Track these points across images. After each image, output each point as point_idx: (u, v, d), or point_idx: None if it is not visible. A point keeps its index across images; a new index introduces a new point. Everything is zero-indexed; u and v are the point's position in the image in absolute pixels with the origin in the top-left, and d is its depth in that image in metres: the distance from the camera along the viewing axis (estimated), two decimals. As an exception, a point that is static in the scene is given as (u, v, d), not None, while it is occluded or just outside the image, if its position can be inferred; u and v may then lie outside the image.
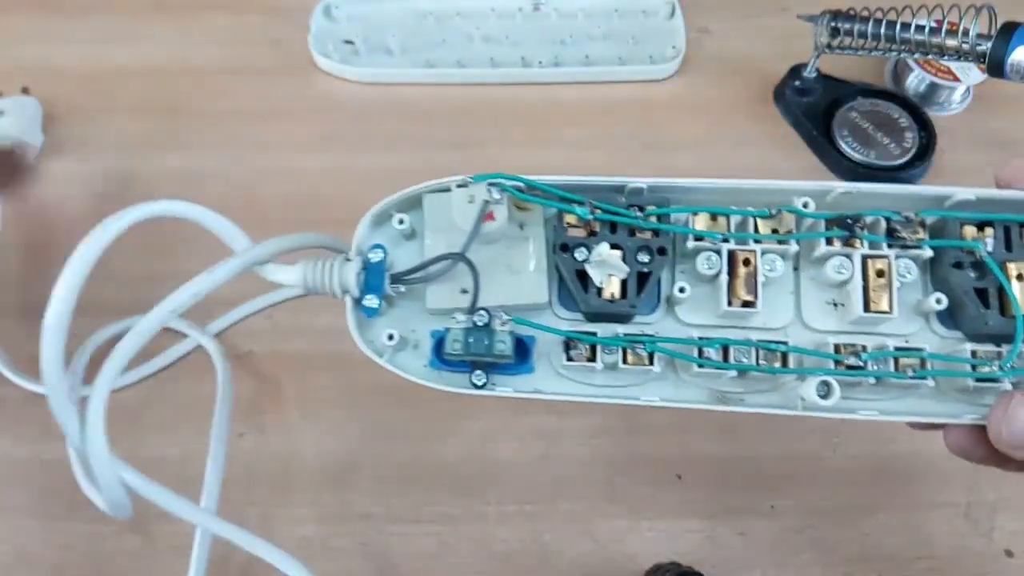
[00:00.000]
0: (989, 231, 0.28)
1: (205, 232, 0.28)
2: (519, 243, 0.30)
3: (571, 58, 0.56)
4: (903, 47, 0.46)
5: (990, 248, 0.27)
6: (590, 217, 0.28)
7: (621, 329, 0.29)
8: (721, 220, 0.29)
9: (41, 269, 0.47)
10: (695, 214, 0.29)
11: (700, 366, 0.28)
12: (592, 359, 0.28)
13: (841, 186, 0.28)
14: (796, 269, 0.30)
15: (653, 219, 0.28)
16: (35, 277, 0.47)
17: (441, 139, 0.53)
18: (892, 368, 0.27)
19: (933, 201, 0.29)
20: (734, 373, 0.28)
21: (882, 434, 0.43)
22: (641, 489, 0.42)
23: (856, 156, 0.51)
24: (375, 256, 0.29)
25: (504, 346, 0.27)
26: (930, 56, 0.46)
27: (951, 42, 0.44)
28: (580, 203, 0.28)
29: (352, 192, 0.53)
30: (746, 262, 0.28)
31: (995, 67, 0.43)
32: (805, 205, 0.28)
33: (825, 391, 0.27)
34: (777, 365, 0.28)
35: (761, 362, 0.28)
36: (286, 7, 0.57)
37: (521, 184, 0.28)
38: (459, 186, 0.28)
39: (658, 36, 0.56)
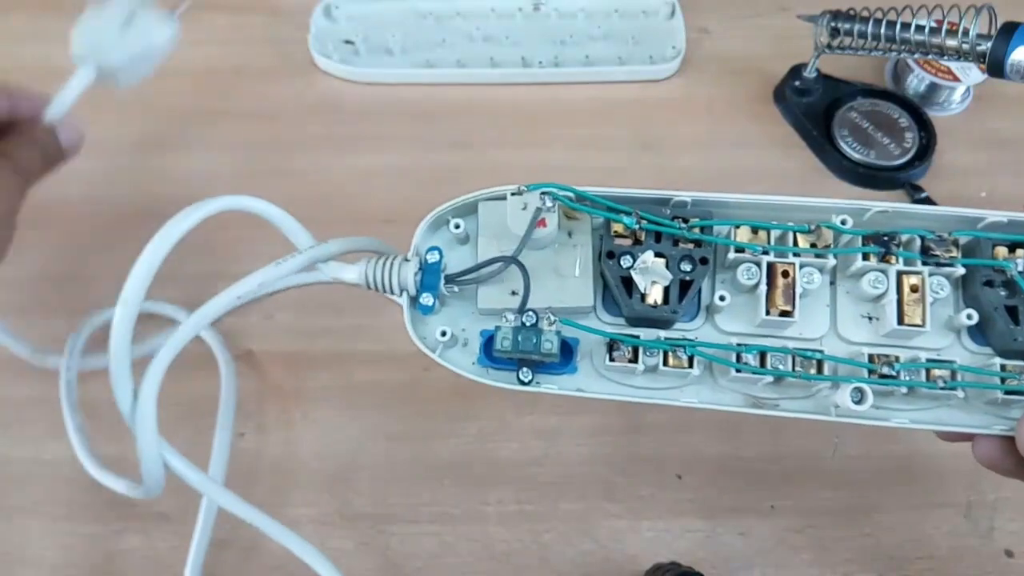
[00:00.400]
0: (1020, 252, 0.29)
1: (251, 233, 0.31)
2: (567, 250, 0.31)
3: (571, 58, 0.56)
4: (903, 47, 0.46)
5: (1021, 268, 0.29)
6: (636, 227, 0.29)
7: (662, 334, 0.30)
8: (762, 234, 0.30)
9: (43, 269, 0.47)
10: (737, 227, 0.30)
11: (738, 371, 0.29)
12: (634, 360, 0.29)
13: (878, 205, 0.30)
14: (833, 283, 0.31)
15: (696, 231, 0.30)
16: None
17: (441, 139, 0.53)
18: (924, 379, 0.28)
19: (966, 222, 0.30)
20: (770, 379, 0.29)
21: (881, 435, 0.43)
22: (641, 489, 0.42)
23: (856, 156, 0.51)
24: (432, 257, 0.31)
25: (551, 345, 0.29)
26: (930, 56, 0.46)
27: (951, 42, 0.44)
28: (627, 213, 0.29)
29: (353, 192, 0.54)
30: (785, 274, 0.29)
31: (995, 67, 0.43)
32: (843, 222, 0.29)
33: (859, 397, 0.28)
34: (813, 372, 0.29)
35: (797, 369, 0.29)
36: (286, 7, 0.57)
37: (572, 194, 0.30)
38: (514, 194, 0.30)
39: (658, 36, 0.56)
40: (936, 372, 0.28)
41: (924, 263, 0.29)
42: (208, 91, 0.54)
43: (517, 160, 0.52)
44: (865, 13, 0.47)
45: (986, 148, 0.53)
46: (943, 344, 0.30)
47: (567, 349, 0.30)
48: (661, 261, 0.30)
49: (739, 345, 0.29)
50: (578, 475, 0.43)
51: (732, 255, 0.30)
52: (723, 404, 0.30)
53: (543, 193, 0.29)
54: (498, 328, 0.29)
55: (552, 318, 0.29)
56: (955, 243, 0.29)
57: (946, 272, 0.29)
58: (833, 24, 0.48)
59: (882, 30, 0.46)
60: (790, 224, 0.30)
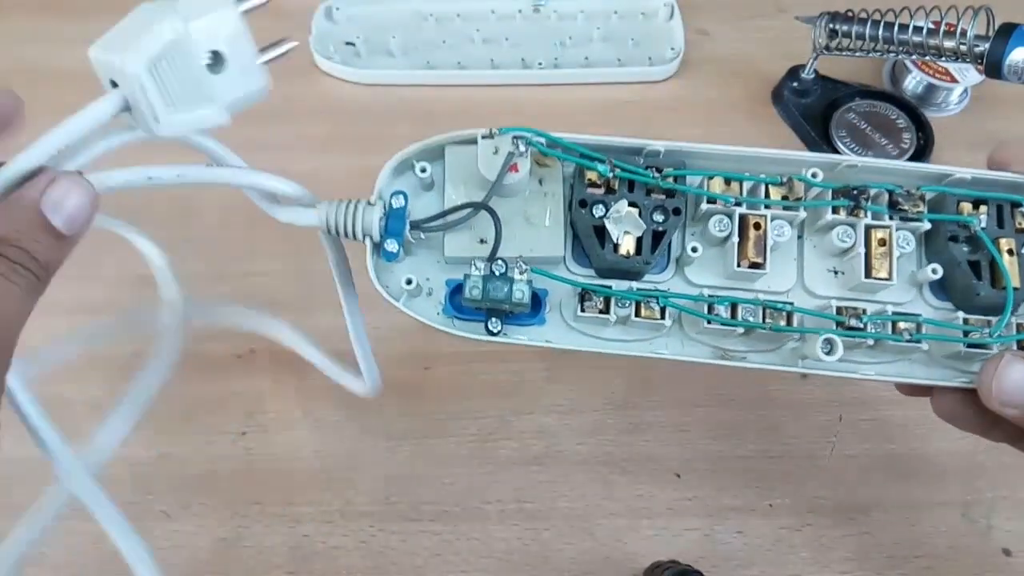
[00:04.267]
0: (983, 208, 0.29)
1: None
2: (538, 198, 0.31)
3: (571, 59, 0.56)
4: (901, 48, 0.46)
5: (983, 224, 0.29)
6: (610, 175, 0.29)
7: (635, 285, 0.30)
8: (734, 185, 0.30)
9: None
10: (710, 178, 0.30)
11: (709, 322, 0.29)
12: (605, 311, 0.29)
13: (848, 159, 0.30)
14: (800, 237, 0.31)
15: (670, 180, 0.29)
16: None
17: (441, 140, 0.53)
18: (890, 331, 0.29)
19: (933, 178, 0.30)
20: (741, 330, 0.29)
21: (880, 433, 0.44)
22: (640, 488, 0.42)
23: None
24: (397, 202, 0.29)
25: (522, 294, 0.28)
26: (928, 57, 0.46)
27: (949, 43, 0.44)
28: (601, 160, 0.29)
29: (353, 193, 0.54)
30: (756, 226, 0.29)
31: (993, 68, 0.43)
32: (814, 175, 0.29)
33: (829, 348, 0.28)
34: (782, 324, 0.29)
35: (768, 321, 0.29)
36: (287, 9, 0.57)
37: (544, 140, 0.29)
38: (485, 137, 0.29)
39: (657, 37, 0.57)
40: (902, 325, 0.29)
41: (891, 217, 0.29)
42: (209, 92, 0.54)
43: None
44: (863, 15, 0.47)
45: (984, 149, 0.52)
46: (906, 299, 0.30)
47: (536, 300, 0.30)
48: (635, 211, 0.29)
49: (711, 296, 0.29)
50: (578, 474, 0.43)
51: (704, 206, 0.30)
52: (692, 356, 0.30)
53: (516, 137, 0.29)
54: (467, 277, 0.28)
55: (524, 267, 0.28)
56: (922, 198, 0.29)
57: (912, 227, 0.30)
58: (831, 26, 0.48)
59: (880, 32, 0.46)
60: (762, 176, 0.30)
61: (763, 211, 0.29)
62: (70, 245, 0.23)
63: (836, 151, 0.52)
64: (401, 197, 0.29)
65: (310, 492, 0.42)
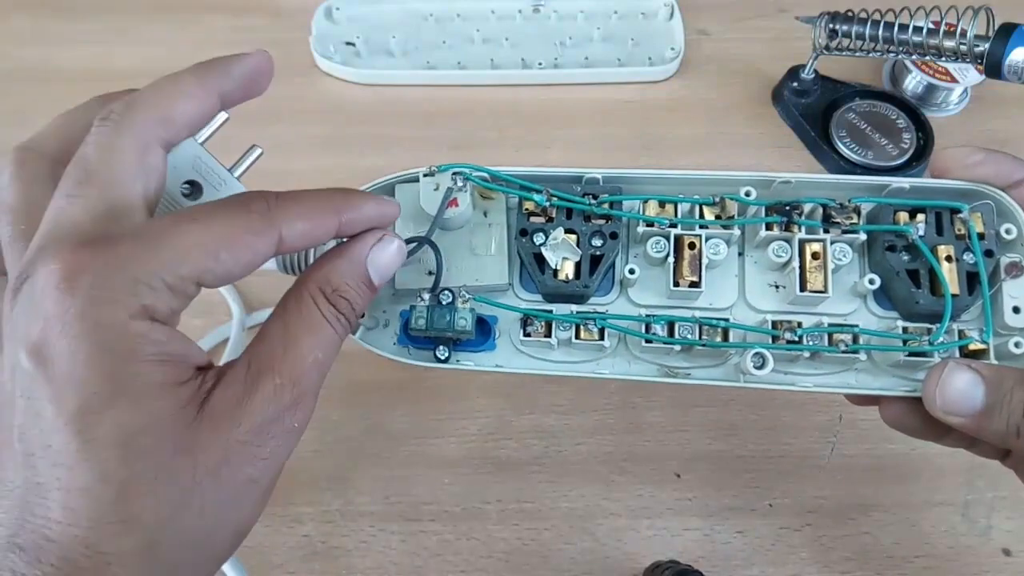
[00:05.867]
0: (920, 217, 0.30)
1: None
2: (483, 229, 0.32)
3: (571, 59, 0.56)
4: (901, 48, 0.46)
5: (921, 232, 0.29)
6: (547, 204, 0.30)
7: (576, 308, 0.31)
8: (670, 207, 0.31)
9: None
10: (645, 202, 0.31)
11: (648, 341, 0.30)
12: (547, 335, 0.30)
13: (781, 176, 0.30)
14: (741, 254, 0.32)
15: (606, 206, 0.30)
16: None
17: (441, 140, 0.53)
18: (826, 343, 0.29)
19: (870, 189, 0.31)
20: (679, 347, 0.30)
21: (880, 434, 0.44)
22: (640, 488, 0.42)
23: (854, 157, 0.51)
24: None
25: (465, 322, 0.29)
26: (928, 57, 0.46)
27: (949, 43, 0.44)
28: (538, 191, 0.30)
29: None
30: (691, 245, 0.30)
31: (993, 68, 0.43)
32: (747, 194, 0.30)
33: (760, 362, 0.28)
34: (718, 339, 0.30)
35: (704, 337, 0.30)
36: (287, 9, 0.58)
37: (485, 175, 0.31)
38: (426, 175, 0.31)
39: (657, 38, 0.57)
40: (838, 336, 0.29)
41: (826, 231, 0.30)
42: (209, 92, 0.54)
43: (517, 161, 0.52)
44: (863, 15, 0.48)
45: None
46: (849, 309, 0.31)
47: (485, 327, 0.31)
48: (572, 237, 0.30)
49: (647, 316, 0.30)
50: (577, 474, 0.43)
51: (642, 229, 0.30)
52: (637, 374, 0.31)
53: (455, 173, 0.30)
54: (413, 308, 0.30)
55: (466, 296, 0.29)
56: (856, 211, 0.30)
57: (849, 239, 0.30)
58: (831, 26, 0.48)
59: (880, 31, 0.46)
60: (696, 197, 0.31)
61: (698, 231, 0.30)
62: (375, 294, 0.26)
63: (836, 151, 0.52)
64: None
65: (310, 492, 0.42)
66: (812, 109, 0.53)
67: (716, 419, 0.44)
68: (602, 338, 0.30)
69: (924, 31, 0.45)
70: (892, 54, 0.47)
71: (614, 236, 0.31)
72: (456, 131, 0.53)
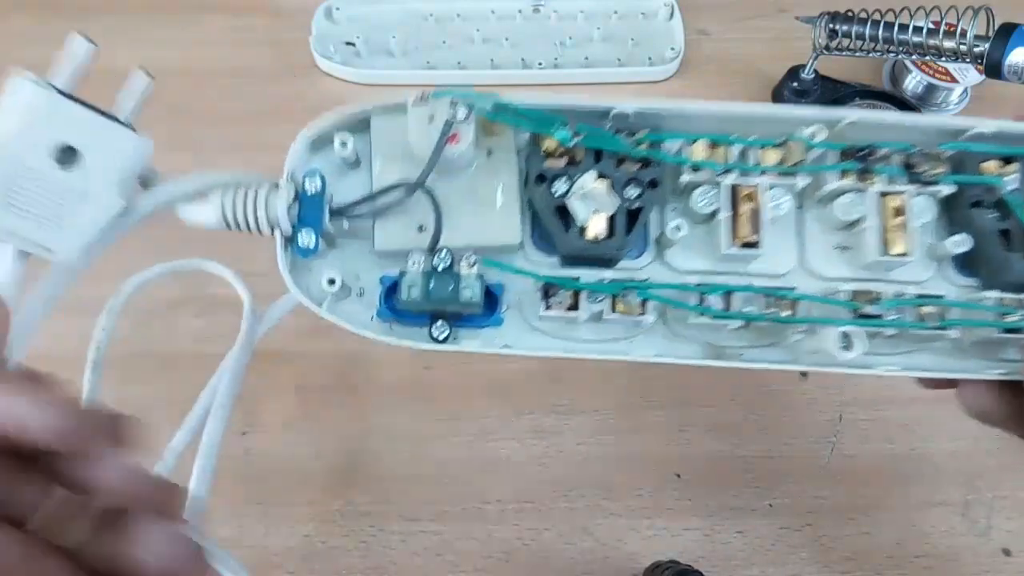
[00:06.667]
0: (1012, 167, 0.25)
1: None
2: (487, 174, 0.25)
3: (571, 59, 0.56)
4: (901, 48, 0.46)
5: (1015, 185, 0.25)
6: (572, 142, 0.24)
7: (608, 274, 0.25)
8: (720, 150, 0.25)
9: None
10: (692, 142, 0.25)
11: (702, 315, 0.24)
12: (574, 307, 0.25)
13: (852, 115, 0.25)
14: (799, 208, 0.26)
15: (644, 147, 0.24)
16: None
17: (441, 140, 0.53)
18: (913, 318, 0.25)
19: (950, 134, 0.26)
20: (737, 324, 0.25)
21: (880, 434, 0.44)
22: (640, 488, 0.42)
23: (854, 157, 0.51)
24: (312, 185, 0.24)
25: (472, 292, 0.23)
26: (928, 57, 0.46)
27: (949, 43, 0.44)
28: (562, 125, 0.24)
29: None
30: (749, 197, 0.25)
31: (993, 68, 0.43)
32: (813, 135, 0.25)
33: (846, 343, 0.24)
34: (786, 314, 0.25)
35: (769, 310, 0.25)
36: (287, 9, 0.57)
37: (489, 103, 0.24)
38: (417, 103, 0.24)
39: (657, 38, 0.57)
40: (927, 309, 0.25)
41: (909, 181, 0.25)
42: (209, 92, 0.55)
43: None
44: (863, 15, 0.47)
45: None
46: (925, 276, 0.26)
47: (490, 297, 0.25)
48: (604, 184, 0.24)
49: (700, 285, 0.25)
50: (578, 474, 0.43)
51: (686, 177, 0.25)
52: (680, 356, 0.26)
53: (454, 101, 0.24)
54: (403, 274, 0.24)
55: (472, 259, 0.24)
56: (940, 157, 0.25)
57: (931, 191, 0.25)
58: (831, 25, 0.48)
59: (880, 31, 0.46)
60: (754, 138, 0.25)
61: (756, 179, 0.25)
62: None
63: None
64: (317, 179, 0.24)
65: (310, 492, 0.42)
66: (812, 109, 0.53)
67: (716, 419, 0.44)
68: (644, 311, 0.25)
69: (924, 31, 0.45)
70: (892, 54, 0.47)
71: (654, 184, 0.24)
72: (456, 131, 0.53)
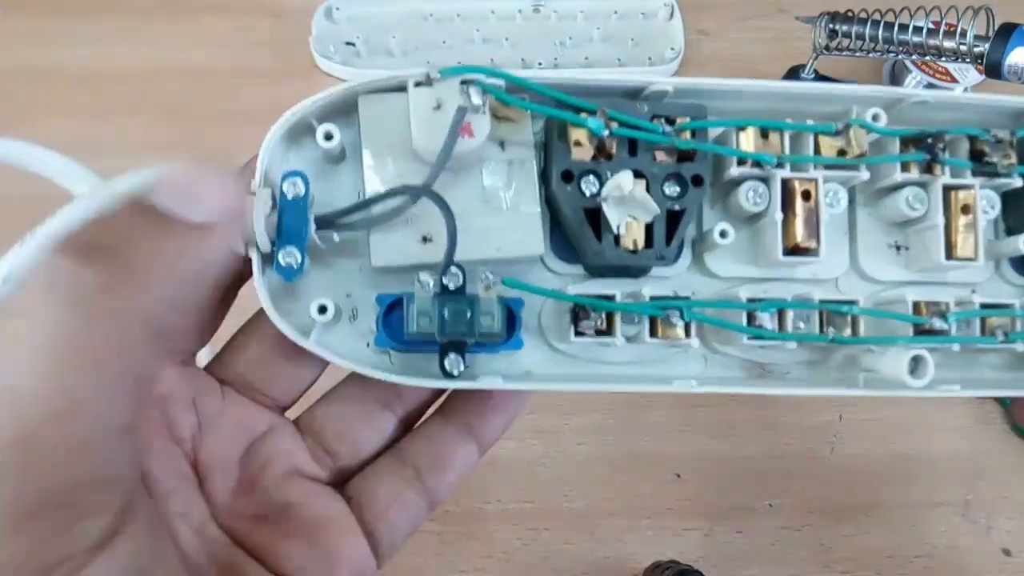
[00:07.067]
0: None
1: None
2: (500, 170, 0.21)
3: (571, 59, 0.56)
4: (901, 49, 0.46)
5: None
6: (605, 132, 0.20)
7: (645, 289, 0.21)
8: (772, 138, 0.21)
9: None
10: (740, 129, 0.21)
11: (752, 337, 0.21)
12: (607, 331, 0.21)
13: (917, 94, 0.22)
14: (851, 202, 0.23)
15: (686, 136, 0.21)
16: None
17: (441, 140, 0.53)
18: (978, 332, 0.22)
19: (1013, 117, 0.23)
20: (794, 344, 0.22)
21: (880, 434, 0.44)
22: (641, 488, 0.42)
23: (854, 157, 0.51)
24: (293, 188, 0.19)
25: (492, 321, 0.20)
26: (928, 57, 0.46)
27: (949, 43, 0.44)
28: (591, 112, 0.20)
29: (352, 193, 0.54)
30: (806, 195, 0.21)
31: (993, 68, 0.43)
32: (875, 118, 0.21)
33: (914, 367, 0.21)
34: (847, 333, 0.22)
35: (828, 329, 0.21)
36: (287, 9, 0.57)
37: (503, 84, 0.20)
38: (419, 84, 0.20)
39: (657, 38, 0.57)
40: (993, 321, 0.22)
41: (974, 173, 0.22)
42: (209, 92, 0.55)
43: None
44: (863, 15, 0.47)
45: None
46: (982, 277, 0.23)
47: (509, 317, 0.21)
48: (642, 185, 0.20)
49: (751, 301, 0.21)
50: (578, 474, 0.43)
51: (733, 171, 0.21)
52: (722, 380, 0.23)
53: (465, 81, 0.19)
54: (408, 298, 0.20)
55: (489, 278, 0.20)
56: (1012, 144, 0.22)
57: (997, 184, 0.22)
58: (831, 26, 0.48)
59: (880, 32, 0.46)
60: (810, 123, 0.21)
61: (812, 173, 0.21)
62: None
63: (836, 151, 0.51)
64: (299, 181, 0.19)
65: (310, 492, 0.42)
66: (812, 109, 0.53)
67: (716, 419, 0.44)
68: (688, 335, 0.21)
69: (924, 31, 0.45)
70: (892, 54, 0.47)
71: (697, 181, 0.21)
72: (456, 131, 0.53)
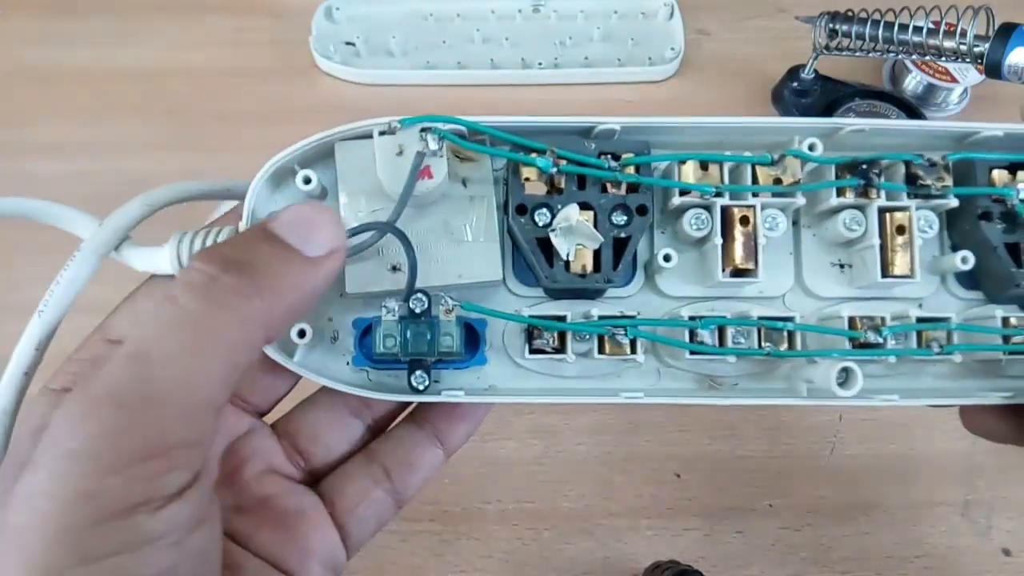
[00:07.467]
0: (1022, 175, 0.24)
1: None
2: (461, 204, 0.24)
3: (570, 59, 0.56)
4: (901, 48, 0.46)
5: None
6: (553, 170, 0.22)
7: (594, 310, 0.24)
8: (712, 170, 0.23)
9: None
10: (682, 163, 0.23)
11: (695, 353, 0.23)
12: (561, 349, 0.23)
13: (852, 123, 0.24)
14: (795, 223, 0.25)
15: (631, 170, 0.23)
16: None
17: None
18: (915, 344, 0.23)
19: (954, 141, 0.25)
20: (733, 359, 0.23)
21: (880, 433, 0.44)
22: (640, 488, 0.42)
23: (854, 157, 0.51)
24: None
25: (452, 340, 0.22)
26: (928, 57, 0.46)
27: (949, 43, 0.44)
28: (540, 151, 0.22)
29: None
30: (744, 220, 0.23)
31: (993, 68, 0.43)
32: (811, 148, 0.23)
33: (844, 378, 0.22)
34: (784, 348, 0.23)
35: (765, 344, 0.23)
36: (288, 9, 0.58)
37: (463, 128, 0.23)
38: (383, 132, 0.23)
39: (657, 37, 0.57)
40: (929, 334, 0.23)
41: (911, 195, 0.23)
42: (209, 92, 0.55)
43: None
44: (863, 15, 0.47)
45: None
46: (927, 292, 0.25)
47: (472, 333, 0.24)
48: (588, 216, 0.23)
49: (692, 319, 0.23)
50: (577, 474, 0.43)
51: (676, 200, 0.23)
52: (672, 393, 0.25)
53: (424, 129, 0.22)
54: (377, 322, 0.22)
55: (450, 303, 0.22)
56: (947, 168, 0.23)
57: (934, 205, 0.24)
58: (831, 25, 0.48)
59: (880, 31, 0.46)
60: (747, 154, 0.23)
61: (751, 200, 0.23)
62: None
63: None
64: None
65: (310, 492, 0.42)
66: (812, 109, 0.53)
67: (716, 419, 0.44)
68: (634, 351, 0.23)
69: (924, 31, 0.45)
70: (892, 54, 0.47)
71: (642, 211, 0.23)
72: (456, 131, 0.53)
